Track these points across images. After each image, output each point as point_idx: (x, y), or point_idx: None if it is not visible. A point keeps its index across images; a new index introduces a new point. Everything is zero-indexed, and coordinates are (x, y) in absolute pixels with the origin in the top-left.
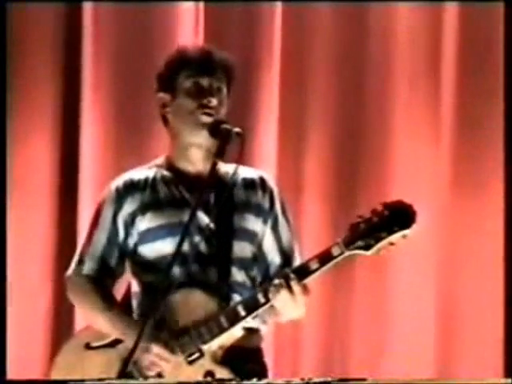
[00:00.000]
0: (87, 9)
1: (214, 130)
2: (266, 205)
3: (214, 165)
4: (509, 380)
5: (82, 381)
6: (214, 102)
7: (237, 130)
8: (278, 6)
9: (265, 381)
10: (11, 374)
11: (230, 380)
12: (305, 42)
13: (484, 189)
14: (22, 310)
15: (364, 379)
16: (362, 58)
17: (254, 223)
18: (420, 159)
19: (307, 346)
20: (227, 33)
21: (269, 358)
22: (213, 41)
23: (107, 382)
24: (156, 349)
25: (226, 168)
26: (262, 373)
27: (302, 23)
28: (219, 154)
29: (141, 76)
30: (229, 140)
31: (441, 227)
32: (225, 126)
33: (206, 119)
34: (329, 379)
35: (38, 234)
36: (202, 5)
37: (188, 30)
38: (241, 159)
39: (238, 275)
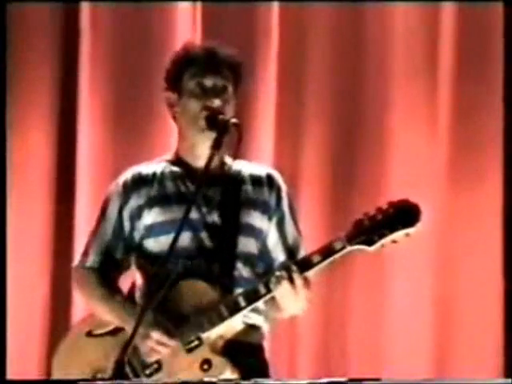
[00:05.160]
0: (85, 8)
1: (212, 121)
2: (273, 202)
3: (211, 157)
4: (509, 380)
5: (77, 381)
6: (216, 102)
7: (234, 120)
8: (275, 5)
9: (270, 381)
10: (9, 368)
11: (231, 380)
12: (302, 40)
13: (482, 182)
14: (19, 305)
15: (378, 379)
16: (360, 54)
17: (259, 220)
18: (418, 152)
19: (304, 346)
20: (225, 32)
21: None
22: (210, 40)
23: (100, 382)
24: (155, 335)
25: (233, 164)
26: (262, 369)
27: (299, 22)
28: (217, 145)
29: (138, 74)
30: (226, 131)
31: (439, 220)
32: (222, 117)
33: (204, 125)
34: (342, 380)
35: (35, 229)
36: (199, 5)
37: (186, 29)
38: (238, 150)
39: (243, 270)
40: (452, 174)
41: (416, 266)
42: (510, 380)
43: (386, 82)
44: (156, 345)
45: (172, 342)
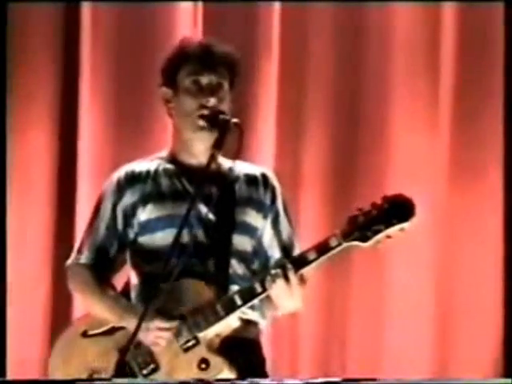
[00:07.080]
0: (85, 8)
1: (213, 120)
2: (268, 201)
3: (212, 156)
4: (509, 380)
5: (77, 381)
6: (212, 101)
7: (235, 120)
8: (277, 5)
9: (266, 380)
10: (9, 368)
11: (227, 379)
12: (304, 40)
13: (482, 179)
14: (19, 305)
15: (373, 379)
16: (361, 53)
17: (254, 218)
18: (418, 150)
19: (304, 344)
20: (226, 32)
21: (266, 355)
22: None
23: (101, 382)
24: (156, 323)
25: (228, 163)
26: (259, 364)
27: (301, 22)
28: (218, 144)
29: (138, 74)
30: (227, 130)
31: (439, 218)
32: (223, 116)
33: (203, 124)
34: (337, 380)
35: (36, 228)
36: (200, 4)
37: (187, 29)
38: (240, 150)
39: (238, 268)
40: (453, 172)
41: (417, 263)
42: (509, 380)
43: (387, 81)
44: (158, 332)
45: (173, 324)
